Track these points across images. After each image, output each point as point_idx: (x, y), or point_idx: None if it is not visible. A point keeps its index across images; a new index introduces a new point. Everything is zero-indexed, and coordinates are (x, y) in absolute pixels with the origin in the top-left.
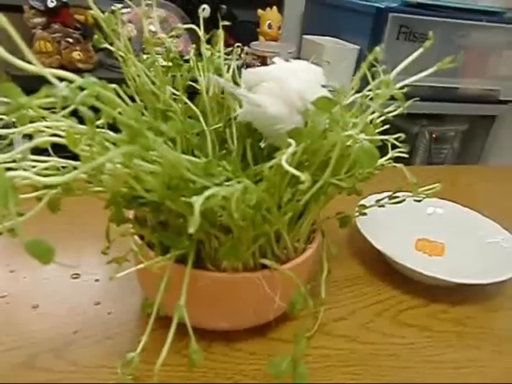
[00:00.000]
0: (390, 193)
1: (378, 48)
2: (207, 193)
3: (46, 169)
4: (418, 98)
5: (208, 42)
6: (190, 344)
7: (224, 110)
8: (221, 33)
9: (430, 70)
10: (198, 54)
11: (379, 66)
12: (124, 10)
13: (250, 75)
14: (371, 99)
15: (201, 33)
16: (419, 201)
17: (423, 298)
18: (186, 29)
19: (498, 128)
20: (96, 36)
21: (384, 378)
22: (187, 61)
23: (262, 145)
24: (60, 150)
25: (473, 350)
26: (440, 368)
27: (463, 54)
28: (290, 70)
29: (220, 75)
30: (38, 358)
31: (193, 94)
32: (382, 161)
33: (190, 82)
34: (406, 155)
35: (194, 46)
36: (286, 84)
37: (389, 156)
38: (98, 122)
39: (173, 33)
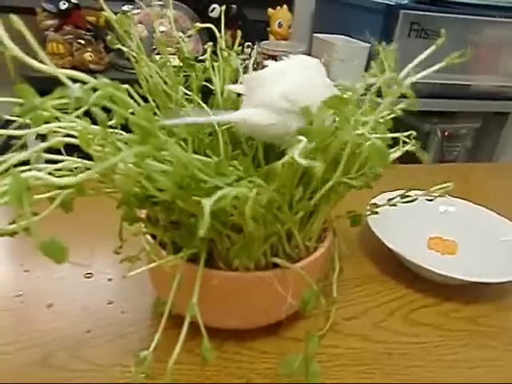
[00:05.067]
0: (401, 191)
1: (392, 47)
2: (217, 194)
3: (59, 169)
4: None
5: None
6: (203, 342)
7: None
8: (238, 33)
9: (438, 66)
10: (212, 53)
11: (393, 62)
12: (134, 11)
13: (248, 80)
14: (381, 97)
15: (218, 34)
16: (431, 200)
17: (436, 297)
18: (197, 29)
19: (511, 125)
20: (109, 37)
21: (396, 377)
22: (199, 61)
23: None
24: (72, 150)
25: (486, 349)
26: (453, 367)
27: (472, 50)
28: (277, 72)
29: (237, 75)
30: (53, 357)
31: (208, 94)
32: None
33: (205, 83)
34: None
35: (209, 45)
36: (268, 89)
37: (399, 152)
38: (111, 122)
39: (190, 32)
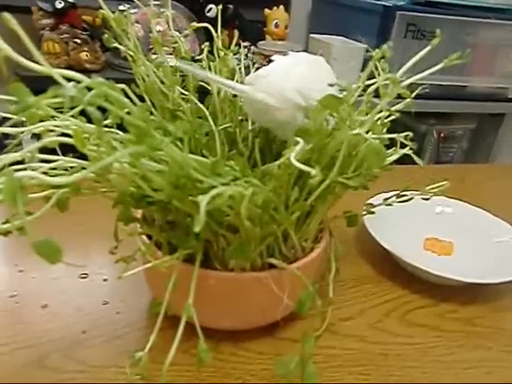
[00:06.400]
0: (397, 191)
1: (385, 46)
2: (213, 192)
3: (54, 168)
4: (426, 90)
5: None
6: (199, 343)
7: (236, 111)
8: (235, 33)
9: (437, 68)
10: (208, 53)
11: (386, 64)
12: (131, 11)
13: (250, 77)
14: (378, 97)
15: (215, 33)
16: (427, 199)
17: (432, 298)
18: (193, 28)
19: (506, 126)
20: (106, 35)
21: (392, 378)
22: (196, 60)
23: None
24: (68, 149)
25: (482, 350)
26: (449, 368)
27: (470, 52)
28: (286, 67)
29: (233, 75)
30: (48, 358)
31: (205, 93)
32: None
33: (201, 83)
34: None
35: (206, 45)
36: (278, 80)
37: (396, 155)
38: (107, 122)
39: (186, 31)
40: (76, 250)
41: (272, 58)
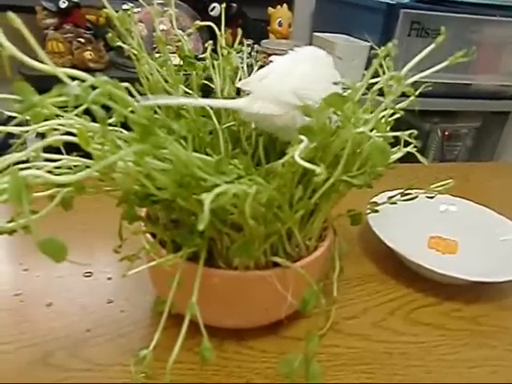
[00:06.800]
0: (402, 190)
1: (390, 44)
2: (217, 190)
3: (59, 167)
4: (430, 88)
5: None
6: (203, 341)
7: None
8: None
9: (441, 65)
10: (212, 51)
11: (390, 61)
12: (135, 10)
13: (244, 82)
14: (382, 95)
15: (218, 32)
16: (431, 197)
17: (436, 297)
18: (197, 27)
19: (511, 124)
20: (110, 35)
21: (397, 376)
22: (199, 59)
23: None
24: (72, 148)
25: (487, 349)
26: (453, 367)
27: (475, 50)
28: (285, 67)
29: (237, 73)
30: (52, 356)
31: (209, 92)
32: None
33: (205, 81)
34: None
35: (209, 44)
36: (276, 83)
37: (400, 153)
38: (111, 120)
39: (190, 30)
40: (80, 249)
41: (270, 58)
